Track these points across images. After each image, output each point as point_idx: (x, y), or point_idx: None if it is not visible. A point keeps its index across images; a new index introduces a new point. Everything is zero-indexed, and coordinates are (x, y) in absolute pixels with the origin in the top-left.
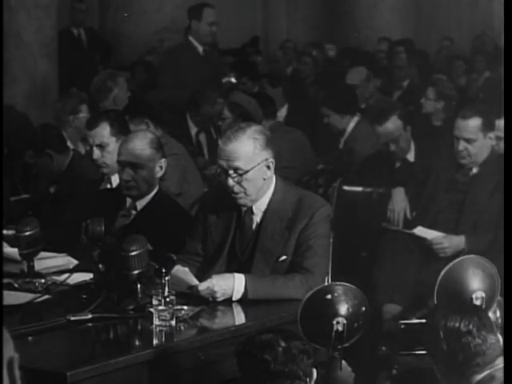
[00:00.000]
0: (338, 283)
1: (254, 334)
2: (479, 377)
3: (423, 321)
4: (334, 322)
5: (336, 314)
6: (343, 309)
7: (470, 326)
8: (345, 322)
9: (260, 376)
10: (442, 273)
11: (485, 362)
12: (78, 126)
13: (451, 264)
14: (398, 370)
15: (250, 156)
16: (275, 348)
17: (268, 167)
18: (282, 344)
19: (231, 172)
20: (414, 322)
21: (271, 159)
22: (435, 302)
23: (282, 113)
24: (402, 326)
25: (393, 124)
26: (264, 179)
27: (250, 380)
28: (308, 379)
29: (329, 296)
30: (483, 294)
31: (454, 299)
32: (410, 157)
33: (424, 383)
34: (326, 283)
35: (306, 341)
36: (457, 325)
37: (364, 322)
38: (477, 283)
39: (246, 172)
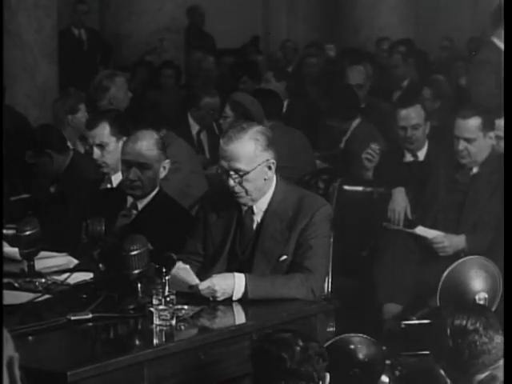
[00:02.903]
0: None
1: (271, 332)
2: (481, 376)
3: (426, 321)
4: None
5: None
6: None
7: (477, 325)
8: None
9: (274, 373)
10: (445, 273)
11: (490, 361)
12: (76, 126)
13: (454, 265)
14: (401, 371)
15: (251, 157)
16: (293, 347)
17: (269, 168)
18: (300, 343)
19: (232, 173)
20: (416, 323)
21: (272, 160)
22: (438, 302)
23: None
24: (403, 326)
25: (416, 111)
26: (265, 179)
27: (263, 377)
28: (321, 382)
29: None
30: (486, 295)
31: (457, 300)
32: (421, 155)
33: None
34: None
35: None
36: (464, 323)
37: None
38: (479, 284)
39: (247, 173)
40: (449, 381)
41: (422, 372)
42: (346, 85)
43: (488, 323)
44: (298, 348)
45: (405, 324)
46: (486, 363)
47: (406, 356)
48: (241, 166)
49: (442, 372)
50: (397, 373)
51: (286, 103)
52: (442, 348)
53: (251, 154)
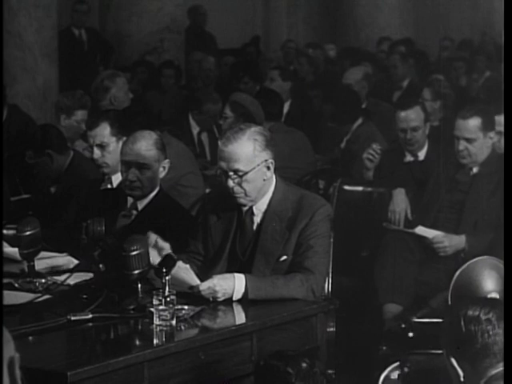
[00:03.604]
0: None
1: (277, 351)
2: (493, 372)
3: (439, 320)
4: None
5: None
6: None
7: (490, 315)
8: None
9: None
10: (458, 272)
11: (501, 353)
12: (67, 127)
13: (466, 264)
14: (410, 368)
15: (250, 157)
16: (300, 363)
17: (268, 168)
18: (307, 360)
19: (231, 173)
20: (424, 322)
21: (271, 160)
22: (449, 300)
23: (285, 109)
24: (403, 326)
25: (415, 113)
26: (264, 180)
27: None
28: None
29: None
30: (497, 296)
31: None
32: (421, 155)
33: (436, 382)
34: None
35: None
36: (477, 313)
37: None
38: (491, 285)
39: (246, 173)
40: (461, 373)
41: (431, 368)
42: (346, 87)
43: (501, 315)
44: (305, 364)
45: (415, 323)
46: (498, 356)
47: (415, 354)
48: (239, 166)
49: (455, 362)
50: (405, 369)
51: (288, 103)
52: (455, 336)
53: (250, 155)
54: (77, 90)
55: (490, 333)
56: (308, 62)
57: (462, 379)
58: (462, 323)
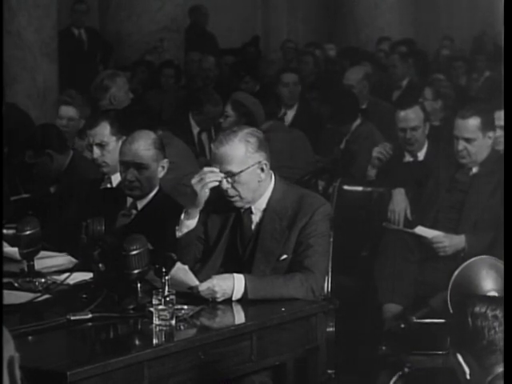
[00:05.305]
0: None
1: None
2: (500, 370)
3: (439, 320)
4: None
5: None
6: None
7: (497, 312)
8: None
9: None
10: (456, 272)
11: None
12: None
13: (465, 264)
14: (411, 368)
15: (242, 159)
16: None
17: (262, 169)
18: None
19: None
20: (424, 322)
21: (264, 161)
22: (448, 299)
23: (292, 111)
24: (403, 326)
25: (414, 113)
26: (259, 181)
27: None
28: None
29: None
30: (496, 295)
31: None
32: (421, 155)
33: (436, 382)
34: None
35: None
36: (484, 310)
37: None
38: (490, 284)
39: (239, 174)
40: (467, 370)
41: (431, 368)
42: (345, 88)
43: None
44: None
45: (414, 322)
46: (503, 351)
47: (415, 354)
48: (232, 168)
49: (461, 359)
50: (406, 369)
51: (296, 106)
52: (461, 332)
53: (242, 156)
54: (68, 90)
55: (497, 329)
56: (314, 62)
57: (468, 376)
58: (469, 319)
